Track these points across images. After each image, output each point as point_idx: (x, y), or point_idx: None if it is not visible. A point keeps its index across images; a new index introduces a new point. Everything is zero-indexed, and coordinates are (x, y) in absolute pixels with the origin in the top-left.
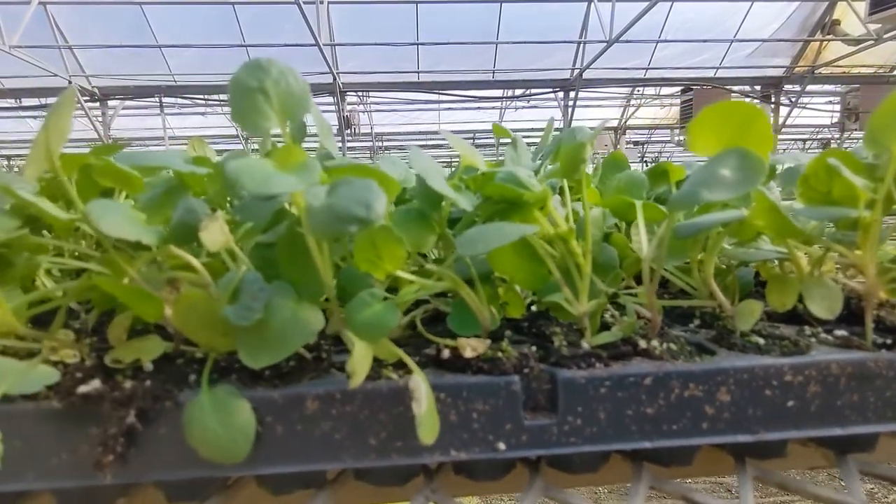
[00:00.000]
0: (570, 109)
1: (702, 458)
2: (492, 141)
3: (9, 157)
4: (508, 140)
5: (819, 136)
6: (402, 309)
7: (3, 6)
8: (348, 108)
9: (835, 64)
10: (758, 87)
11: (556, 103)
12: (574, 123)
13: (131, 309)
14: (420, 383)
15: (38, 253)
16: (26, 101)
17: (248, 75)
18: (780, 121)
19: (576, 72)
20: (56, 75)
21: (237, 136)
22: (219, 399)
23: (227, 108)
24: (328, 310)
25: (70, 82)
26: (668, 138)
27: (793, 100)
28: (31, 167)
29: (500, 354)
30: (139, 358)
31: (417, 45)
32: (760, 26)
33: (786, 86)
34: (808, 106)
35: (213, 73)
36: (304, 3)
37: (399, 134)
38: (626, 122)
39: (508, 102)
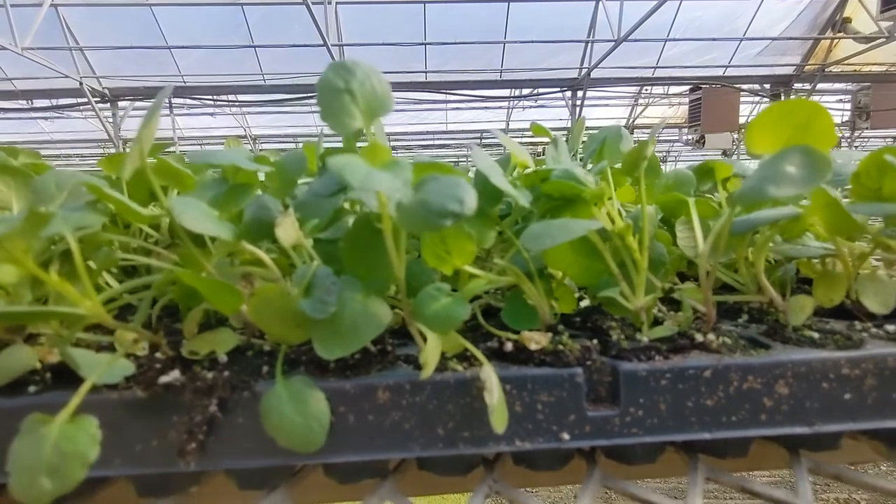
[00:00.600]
0: (577, 109)
1: (754, 451)
2: (499, 141)
3: None
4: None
5: None
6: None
7: (14, 8)
8: None
9: (845, 62)
10: (767, 86)
11: (563, 103)
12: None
13: (210, 302)
14: (491, 374)
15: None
16: (37, 103)
17: (335, 76)
18: None
19: (584, 71)
20: (67, 76)
21: (245, 137)
22: (294, 389)
23: (234, 109)
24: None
25: (81, 83)
26: (676, 137)
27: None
28: (129, 165)
29: (560, 347)
30: (214, 350)
31: (425, 45)
32: (770, 24)
33: (796, 84)
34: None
35: (221, 74)
36: (313, 3)
37: (406, 134)
38: (633, 121)
39: (516, 102)
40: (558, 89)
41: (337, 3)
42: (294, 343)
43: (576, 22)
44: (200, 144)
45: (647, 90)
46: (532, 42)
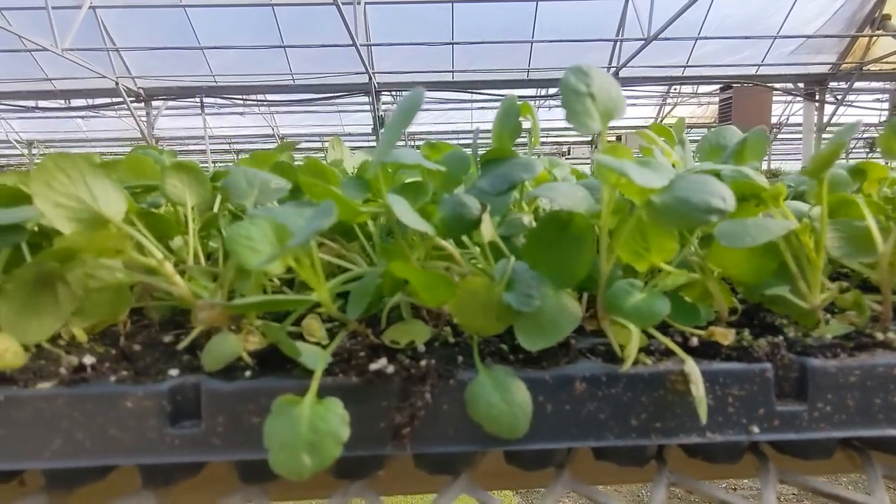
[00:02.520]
0: None
1: None
2: (524, 140)
3: None
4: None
5: (865, 136)
6: None
7: (55, 10)
8: (383, 107)
9: (884, 60)
10: (801, 85)
11: None
12: None
13: (419, 294)
14: (695, 368)
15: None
16: (74, 102)
17: (577, 80)
18: (825, 119)
19: (612, 70)
20: (104, 76)
21: (273, 136)
22: (497, 378)
23: (263, 108)
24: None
25: (117, 83)
26: None
27: (838, 98)
28: (375, 158)
29: (744, 343)
30: (413, 339)
31: (452, 44)
32: (805, 22)
33: (831, 83)
34: (854, 104)
35: (252, 74)
36: (342, 3)
37: (432, 133)
38: (661, 120)
39: (542, 101)
40: None
41: (366, 3)
42: (488, 335)
43: (604, 21)
44: (230, 143)
45: (675, 89)
46: (560, 41)
